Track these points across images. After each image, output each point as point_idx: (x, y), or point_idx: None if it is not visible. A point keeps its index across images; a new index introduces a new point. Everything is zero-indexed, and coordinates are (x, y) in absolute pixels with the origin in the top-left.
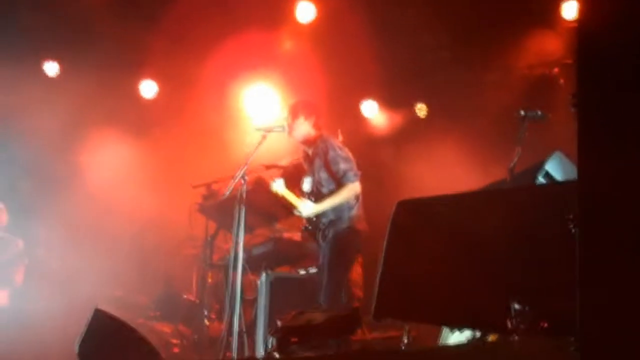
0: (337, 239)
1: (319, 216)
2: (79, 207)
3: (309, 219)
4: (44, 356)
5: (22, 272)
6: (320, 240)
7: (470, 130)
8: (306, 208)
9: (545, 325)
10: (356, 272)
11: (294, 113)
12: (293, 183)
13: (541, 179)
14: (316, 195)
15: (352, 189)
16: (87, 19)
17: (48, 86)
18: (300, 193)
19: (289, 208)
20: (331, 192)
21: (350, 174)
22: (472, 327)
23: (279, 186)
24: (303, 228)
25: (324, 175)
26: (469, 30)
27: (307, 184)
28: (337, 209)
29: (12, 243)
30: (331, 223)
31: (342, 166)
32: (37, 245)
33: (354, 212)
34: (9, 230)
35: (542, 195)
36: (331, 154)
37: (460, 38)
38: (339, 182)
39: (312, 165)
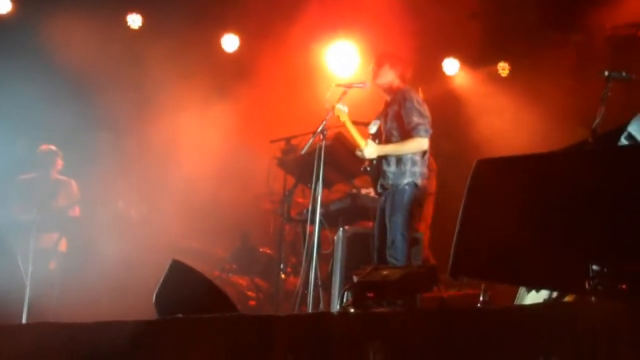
0: (399, 193)
1: (380, 164)
2: (158, 160)
3: (369, 161)
4: (121, 305)
5: (77, 210)
6: (380, 190)
7: (553, 91)
8: (369, 149)
9: (624, 287)
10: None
11: (380, 61)
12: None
13: (624, 141)
14: (383, 143)
15: (419, 143)
16: None
17: (131, 39)
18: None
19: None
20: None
21: (421, 128)
22: (550, 287)
23: (342, 110)
24: (362, 169)
25: (394, 124)
26: None
27: (373, 126)
28: (401, 162)
29: (68, 185)
30: (393, 175)
31: (415, 119)
32: (116, 198)
33: (418, 168)
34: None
35: (624, 156)
36: (408, 104)
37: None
38: (408, 134)
39: (385, 113)
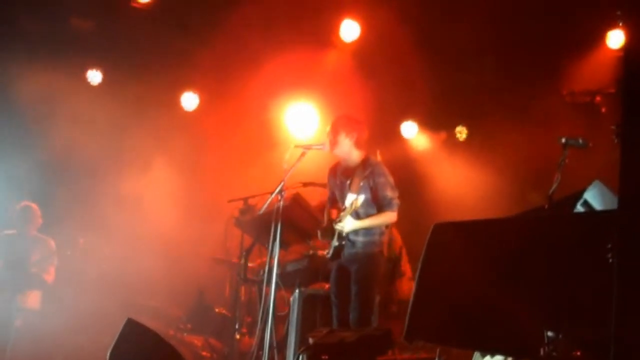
0: (370, 261)
1: (349, 234)
2: (117, 216)
3: (340, 234)
4: None
5: (52, 272)
6: (348, 257)
7: (510, 156)
8: (348, 222)
9: (579, 354)
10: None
11: (335, 129)
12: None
13: (580, 208)
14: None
15: (391, 217)
16: (132, 29)
17: (91, 95)
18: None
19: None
20: (368, 215)
21: (394, 203)
22: (504, 352)
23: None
24: (339, 244)
25: (366, 196)
26: (513, 56)
27: (349, 200)
28: (369, 232)
29: (45, 243)
30: (363, 244)
31: (389, 193)
32: (74, 254)
33: (385, 237)
34: (41, 231)
35: (580, 223)
36: (382, 180)
37: (504, 63)
38: (380, 207)
39: (355, 184)
